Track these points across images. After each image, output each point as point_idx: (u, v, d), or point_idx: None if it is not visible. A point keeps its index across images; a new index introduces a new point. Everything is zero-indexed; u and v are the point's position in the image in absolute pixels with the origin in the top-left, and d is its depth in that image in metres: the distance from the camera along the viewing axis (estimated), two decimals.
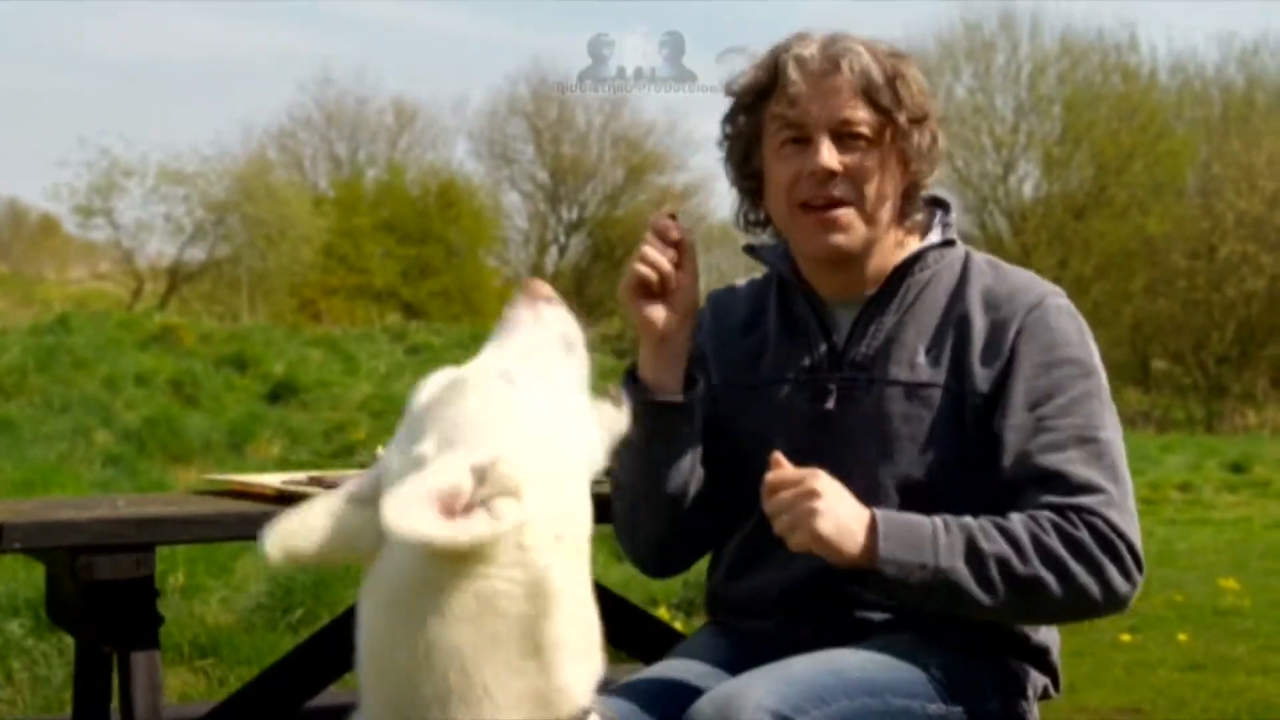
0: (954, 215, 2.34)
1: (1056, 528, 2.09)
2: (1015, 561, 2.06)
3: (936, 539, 2.06)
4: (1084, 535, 2.09)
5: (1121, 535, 2.10)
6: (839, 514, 2.05)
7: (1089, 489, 2.11)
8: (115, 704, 2.68)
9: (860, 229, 2.23)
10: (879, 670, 2.10)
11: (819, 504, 2.03)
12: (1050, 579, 2.07)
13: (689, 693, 2.10)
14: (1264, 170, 25.21)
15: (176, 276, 28.56)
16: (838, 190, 2.21)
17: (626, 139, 31.75)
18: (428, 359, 17.35)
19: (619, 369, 2.37)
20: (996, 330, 2.21)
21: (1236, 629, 6.39)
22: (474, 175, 33.39)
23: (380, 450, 2.69)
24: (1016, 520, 2.10)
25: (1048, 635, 2.30)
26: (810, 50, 2.21)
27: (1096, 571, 2.09)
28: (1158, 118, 27.00)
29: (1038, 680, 2.29)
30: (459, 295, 30.12)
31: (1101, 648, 5.92)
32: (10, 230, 38.76)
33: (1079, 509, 2.10)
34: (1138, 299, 26.34)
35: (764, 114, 2.26)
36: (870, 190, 2.22)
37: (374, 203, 31.70)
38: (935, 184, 2.32)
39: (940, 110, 2.31)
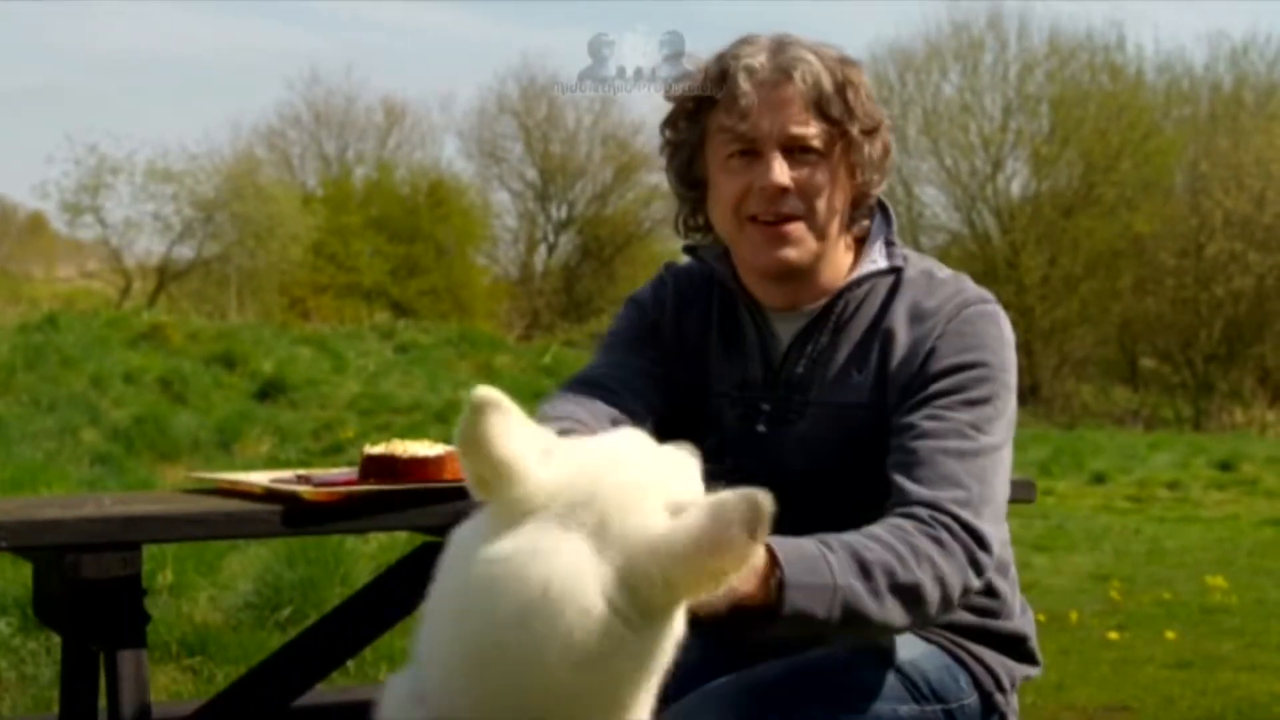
0: (895, 226, 2.28)
1: (920, 530, 1.98)
2: (898, 568, 1.94)
3: (827, 558, 1.91)
4: (943, 534, 1.99)
5: (972, 531, 2.01)
6: None
7: (950, 483, 2.03)
8: (103, 703, 2.68)
9: (810, 243, 2.19)
10: (849, 673, 2.08)
11: None
12: (926, 581, 1.96)
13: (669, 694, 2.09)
14: (1252, 169, 25.26)
15: (165, 275, 28.53)
16: (788, 206, 2.16)
17: (615, 138, 31.75)
18: (416, 357, 17.35)
19: None
20: (918, 343, 2.15)
21: (1224, 627, 6.40)
22: (463, 174, 33.46)
23: (368, 448, 2.69)
24: (881, 530, 1.98)
25: (1023, 621, 2.28)
26: (760, 59, 2.15)
27: (960, 569, 1.99)
28: (1145, 117, 27.04)
29: (1016, 670, 2.26)
30: (448, 294, 30.11)
31: (1089, 645, 5.93)
32: None
33: (934, 505, 2.01)
34: (1126, 297, 26.40)
35: (708, 122, 2.20)
36: (820, 204, 2.17)
37: (363, 201, 31.68)
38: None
39: (888, 119, 2.25)
